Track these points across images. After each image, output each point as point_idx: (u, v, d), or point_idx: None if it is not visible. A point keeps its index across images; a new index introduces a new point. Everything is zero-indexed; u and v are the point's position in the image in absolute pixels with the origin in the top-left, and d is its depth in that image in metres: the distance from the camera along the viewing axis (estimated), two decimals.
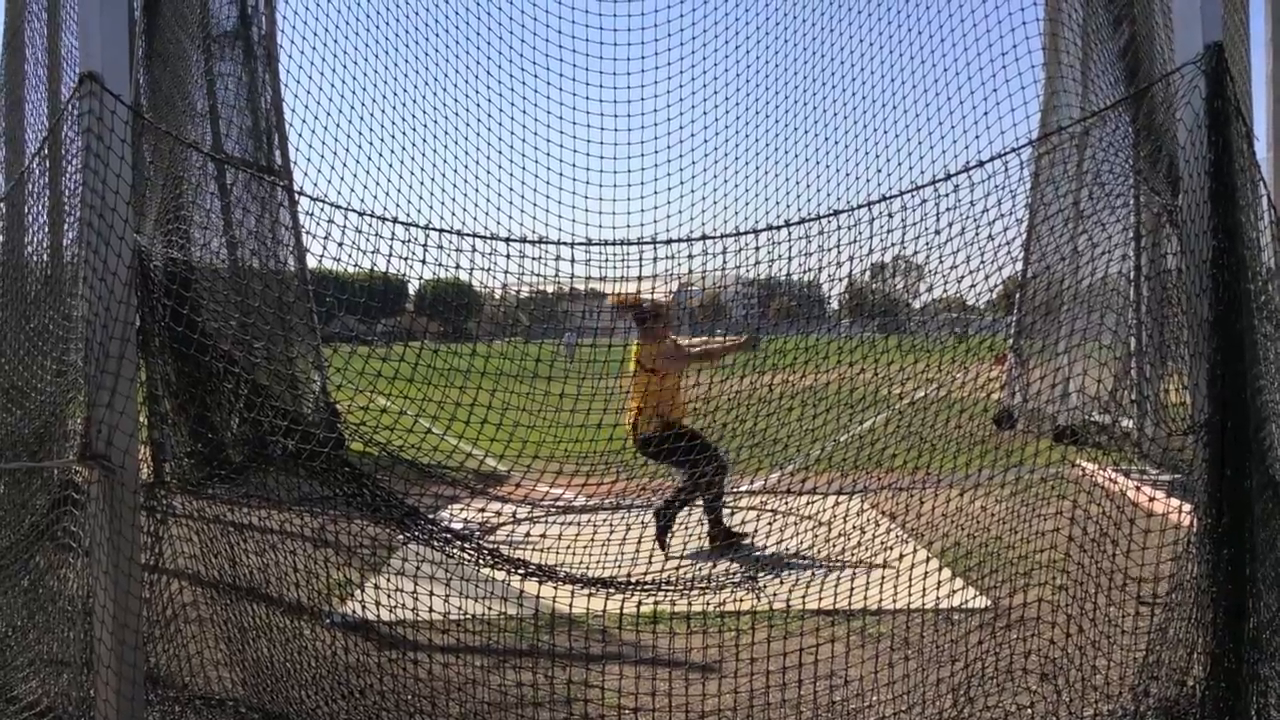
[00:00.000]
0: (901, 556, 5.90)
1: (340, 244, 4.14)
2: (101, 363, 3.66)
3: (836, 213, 4.22)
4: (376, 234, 4.12)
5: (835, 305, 9.34)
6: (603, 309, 6.81)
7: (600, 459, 5.77)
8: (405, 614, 4.50)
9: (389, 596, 4.42)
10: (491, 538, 6.93)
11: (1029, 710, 4.06)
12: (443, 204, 7.04)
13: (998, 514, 4.71)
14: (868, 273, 5.68)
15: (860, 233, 4.23)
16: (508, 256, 4.28)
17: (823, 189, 7.30)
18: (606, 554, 5.30)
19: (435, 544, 4.18)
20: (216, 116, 9.82)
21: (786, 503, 8.64)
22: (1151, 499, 4.35)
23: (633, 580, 4.83)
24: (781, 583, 5.95)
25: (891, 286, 8.54)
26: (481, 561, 4.30)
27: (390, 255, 4.15)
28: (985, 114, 5.21)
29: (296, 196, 10.36)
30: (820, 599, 5.28)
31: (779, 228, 4.29)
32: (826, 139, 7.14)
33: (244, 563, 4.31)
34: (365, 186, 7.66)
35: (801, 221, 4.25)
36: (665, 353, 7.18)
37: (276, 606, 4.39)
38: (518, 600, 5.17)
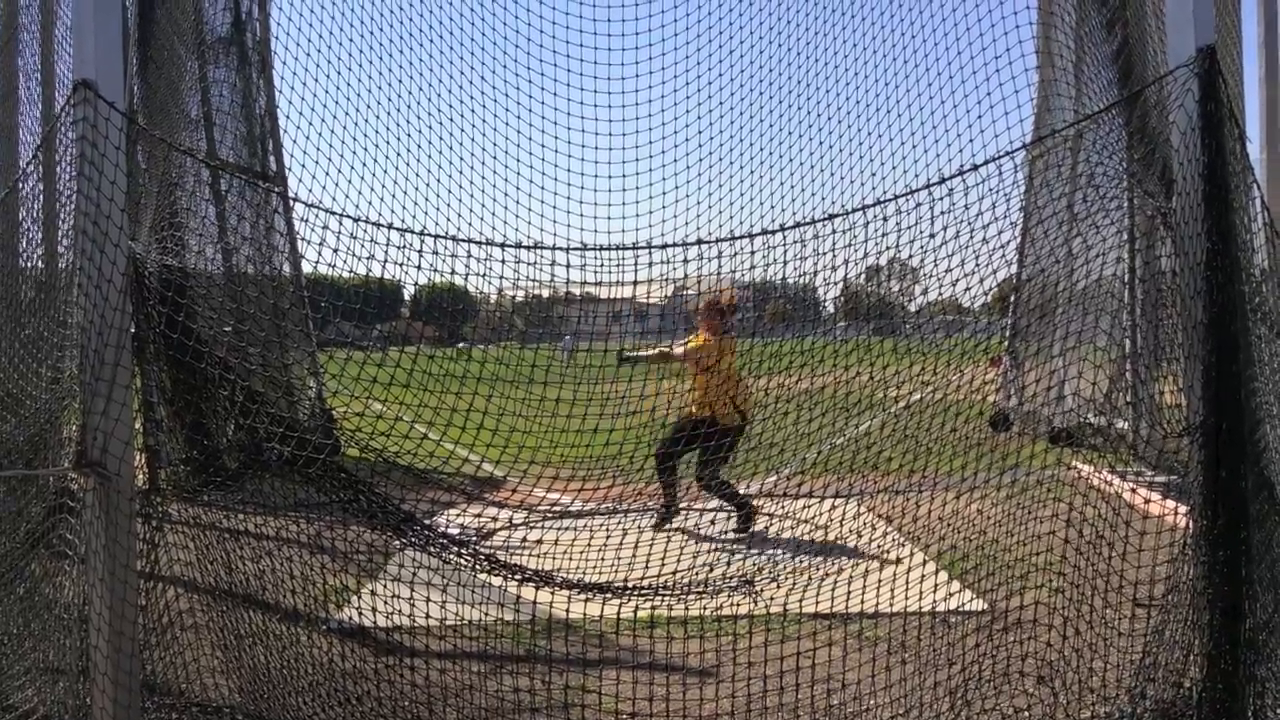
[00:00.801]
0: (899, 560, 5.90)
1: (335, 250, 4.14)
2: (97, 370, 3.65)
3: (831, 216, 4.23)
4: (371, 239, 4.12)
5: (831, 309, 9.37)
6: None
7: (597, 464, 5.76)
8: (402, 620, 4.49)
9: (385, 602, 4.42)
10: (488, 543, 6.92)
11: (1026, 713, 4.06)
12: (437, 209, 7.07)
13: (994, 517, 4.72)
14: (863, 276, 5.69)
15: (855, 236, 4.23)
16: (503, 262, 4.29)
17: (817, 193, 7.32)
18: (604, 559, 5.30)
19: (431, 550, 4.18)
20: (211, 123, 9.80)
21: (783, 506, 8.64)
22: (1147, 501, 4.35)
23: (630, 585, 4.82)
24: (778, 587, 5.95)
25: (887, 290, 8.56)
26: (478, 567, 4.30)
27: (385, 261, 4.15)
28: (979, 118, 5.22)
29: (291, 202, 10.36)
30: (817, 603, 5.28)
31: (774, 232, 4.29)
32: (821, 143, 7.15)
33: (240, 569, 4.31)
34: (360, 192, 7.70)
35: (797, 225, 4.26)
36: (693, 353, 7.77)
37: (273, 613, 4.38)
38: (514, 605, 5.16)
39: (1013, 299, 11.33)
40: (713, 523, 8.19)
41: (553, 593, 4.48)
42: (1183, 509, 3.70)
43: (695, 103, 7.35)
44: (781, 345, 5.96)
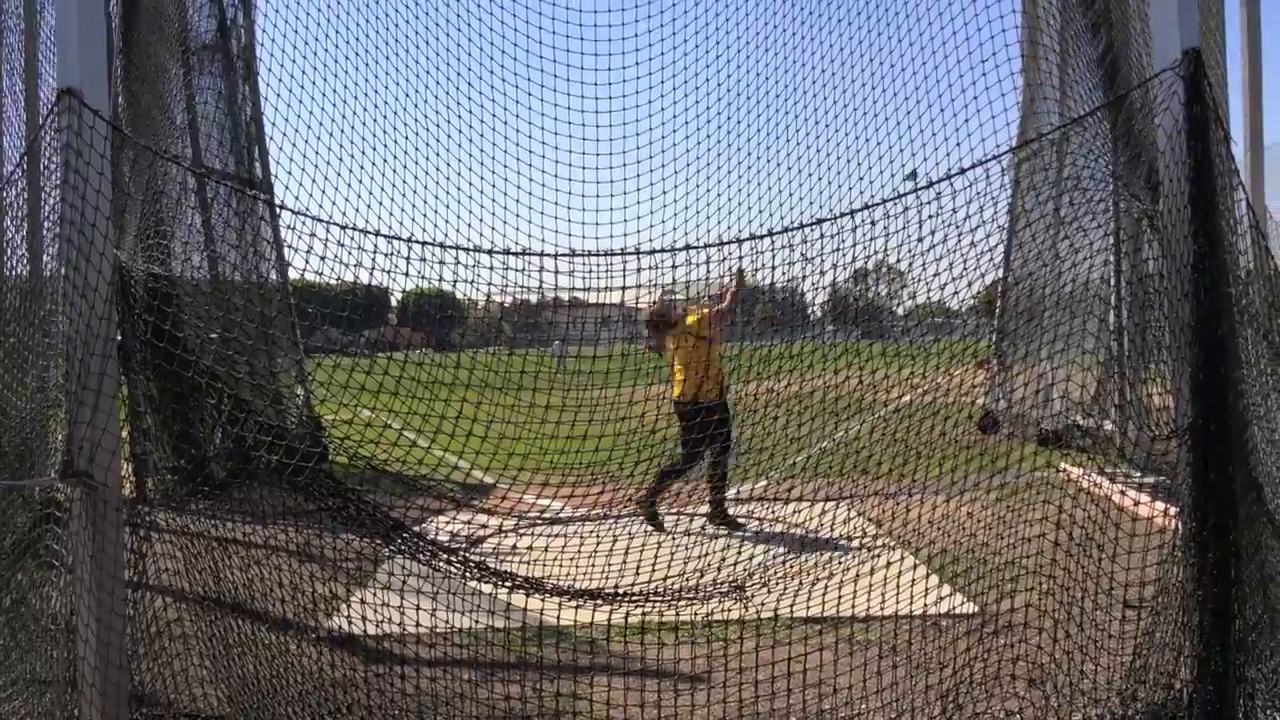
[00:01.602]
0: (889, 564, 5.90)
1: (323, 257, 4.12)
2: (83, 379, 3.63)
3: (819, 221, 4.23)
4: (359, 246, 4.11)
5: (819, 313, 9.38)
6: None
7: (587, 470, 5.75)
8: (392, 628, 4.47)
9: (375, 611, 4.40)
10: (478, 550, 6.90)
11: (1017, 716, 4.06)
12: (425, 215, 7.03)
13: (984, 519, 4.73)
14: (851, 280, 5.70)
15: (843, 241, 4.24)
16: (490, 268, 4.28)
17: (804, 197, 7.31)
18: (594, 565, 5.28)
19: (421, 557, 4.16)
20: (196, 130, 9.77)
21: (774, 510, 8.64)
22: (1136, 503, 4.37)
23: (620, 591, 4.81)
24: (769, 591, 5.94)
25: (875, 294, 8.59)
26: (468, 574, 4.28)
27: (373, 268, 4.14)
28: (965, 121, 5.25)
29: (278, 209, 10.33)
30: (808, 607, 5.28)
31: (762, 237, 4.30)
32: (808, 148, 7.15)
33: (228, 579, 4.28)
34: (347, 199, 7.62)
35: (784, 230, 4.26)
36: (712, 316, 8.12)
37: (261, 622, 4.36)
38: (505, 613, 5.14)
39: (1000, 302, 11.37)
40: (703, 528, 8.19)
41: (543, 599, 4.46)
42: (1172, 510, 3.71)
43: (683, 108, 7.36)
44: (770, 350, 5.95)
